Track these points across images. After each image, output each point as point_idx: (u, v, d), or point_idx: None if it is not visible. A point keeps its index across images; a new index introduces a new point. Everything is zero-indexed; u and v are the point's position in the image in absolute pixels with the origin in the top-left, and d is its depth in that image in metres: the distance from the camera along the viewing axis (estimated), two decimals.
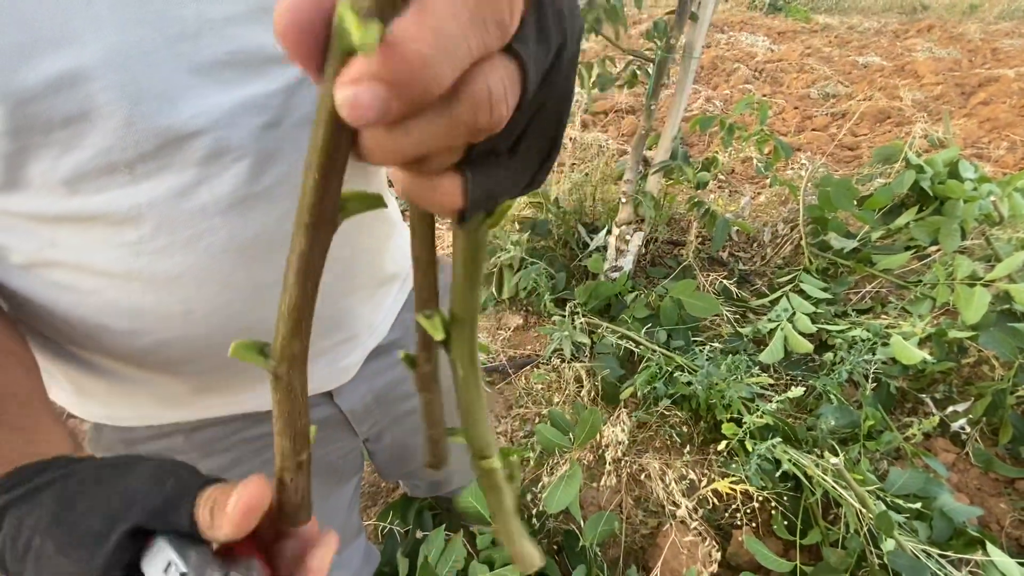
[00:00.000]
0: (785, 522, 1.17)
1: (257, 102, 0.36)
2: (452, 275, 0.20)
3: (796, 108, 3.31)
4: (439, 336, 0.21)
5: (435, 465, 0.28)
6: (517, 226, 1.87)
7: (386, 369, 0.61)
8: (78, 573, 0.23)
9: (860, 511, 1.03)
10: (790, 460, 1.14)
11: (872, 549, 1.01)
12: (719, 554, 1.10)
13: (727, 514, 1.26)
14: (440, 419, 0.27)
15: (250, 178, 0.37)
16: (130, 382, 0.46)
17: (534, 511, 1.20)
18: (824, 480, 1.08)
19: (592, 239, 1.91)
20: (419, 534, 1.15)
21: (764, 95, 3.48)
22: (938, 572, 0.94)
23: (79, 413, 0.50)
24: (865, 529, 1.00)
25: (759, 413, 1.15)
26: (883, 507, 0.97)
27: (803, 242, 1.76)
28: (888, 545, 0.93)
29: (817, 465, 1.11)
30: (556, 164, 2.17)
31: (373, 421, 0.65)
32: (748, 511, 1.16)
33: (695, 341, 1.53)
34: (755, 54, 4.16)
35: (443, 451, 0.28)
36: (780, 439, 1.09)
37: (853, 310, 1.62)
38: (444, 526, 1.12)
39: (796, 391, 1.08)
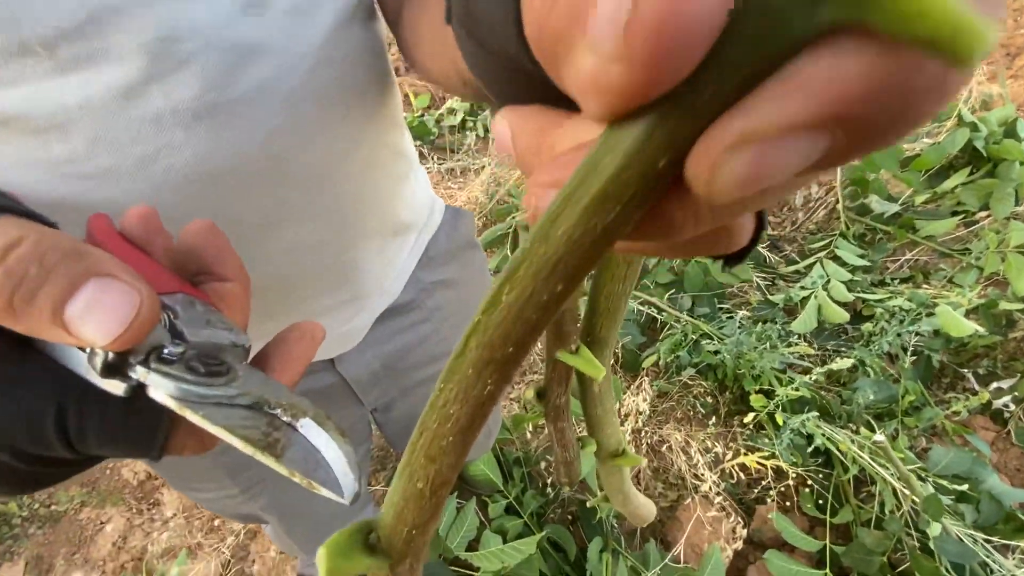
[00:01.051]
0: (812, 500, 1.11)
1: None
2: (597, 297, 0.19)
3: None
4: (600, 375, 0.19)
5: (571, 484, 0.31)
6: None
7: (396, 334, 0.54)
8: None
9: (900, 491, 0.96)
10: (823, 435, 1.07)
11: (911, 531, 0.95)
12: (744, 530, 1.04)
13: (750, 489, 1.20)
14: (573, 442, 0.28)
15: (221, 79, 0.28)
16: None
17: (549, 480, 1.15)
18: (861, 457, 1.01)
19: None
20: None
21: None
22: (985, 559, 0.87)
23: None
24: (905, 510, 0.93)
25: (794, 385, 1.07)
26: (930, 488, 0.90)
27: (839, 205, 1.64)
28: (935, 529, 0.86)
29: (853, 441, 1.04)
30: None
31: (381, 391, 0.58)
32: (776, 487, 1.10)
33: (721, 309, 1.44)
34: None
35: (577, 470, 0.30)
36: (816, 413, 1.01)
37: (891, 279, 1.52)
38: (455, 494, 1.07)
39: (843, 362, 1.00)
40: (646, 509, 0.33)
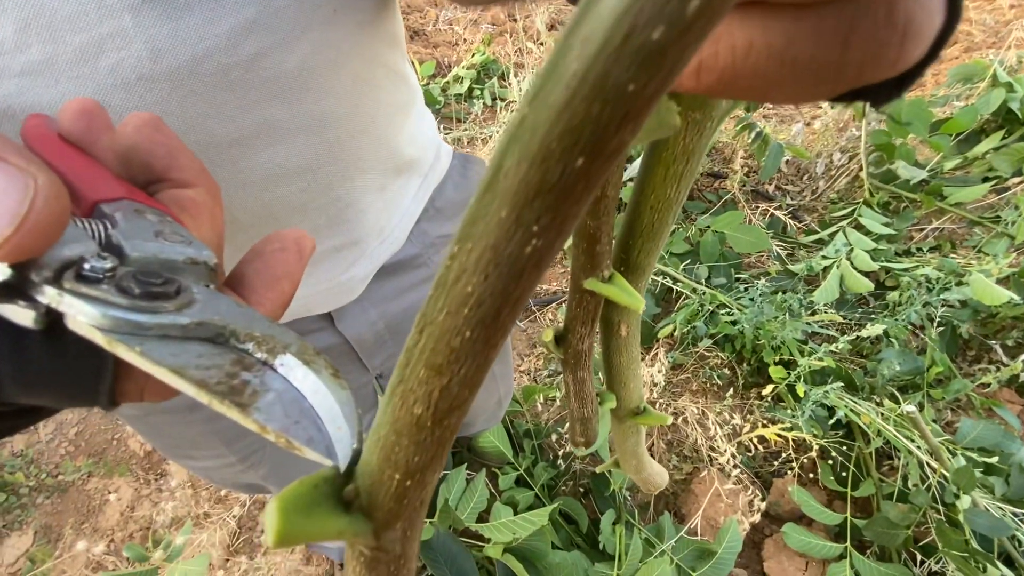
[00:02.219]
0: (833, 473, 1.08)
1: None
2: (641, 207, 0.16)
3: None
4: (640, 307, 0.17)
5: (587, 444, 0.26)
6: None
7: (401, 292, 0.49)
8: None
9: (928, 463, 0.93)
10: (847, 407, 1.03)
11: (936, 504, 0.91)
12: (762, 503, 1.01)
13: (767, 462, 1.17)
14: (593, 396, 0.24)
15: None
16: None
17: (560, 452, 1.12)
18: (886, 429, 0.97)
19: (625, 169, 1.74)
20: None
21: None
22: (1015, 531, 0.84)
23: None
24: (934, 482, 0.90)
25: (816, 356, 1.03)
26: (961, 461, 0.86)
27: (863, 172, 1.57)
28: (964, 502, 0.83)
29: (878, 413, 1.00)
30: None
31: (387, 355, 0.54)
32: (797, 459, 1.07)
33: (738, 279, 1.39)
34: None
35: (595, 428, 0.25)
36: (841, 384, 0.97)
37: (917, 248, 1.46)
38: (464, 466, 1.05)
39: (874, 328, 0.95)
40: (660, 476, 0.31)
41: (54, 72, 0.23)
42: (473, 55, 2.38)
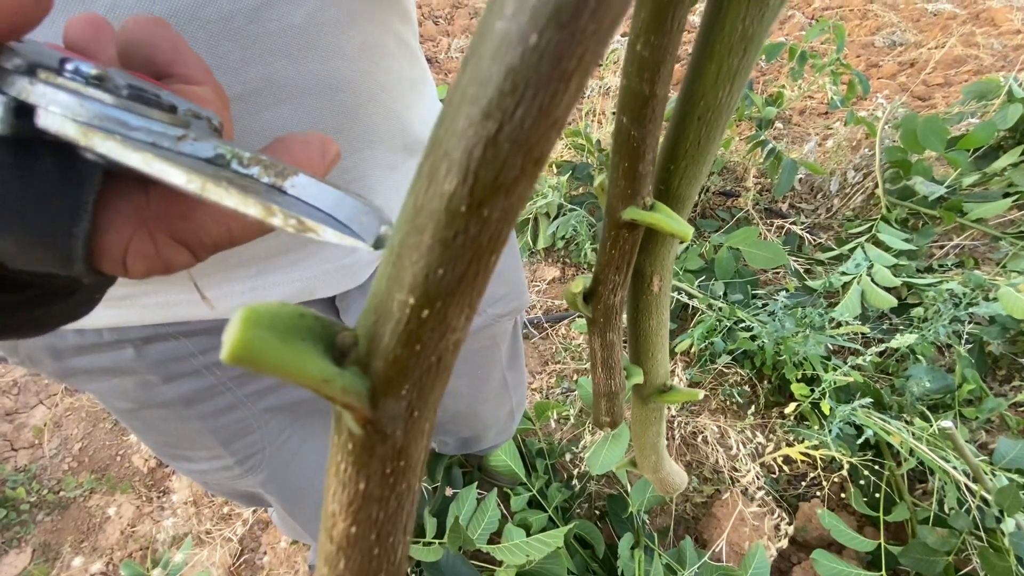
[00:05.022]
0: (861, 495, 1.02)
1: None
2: (688, 117, 0.13)
3: (859, 56, 3.01)
4: (688, 236, 0.14)
5: (613, 424, 0.23)
6: (555, 169, 1.71)
7: None
8: None
9: (966, 485, 0.87)
10: (876, 425, 0.99)
11: (978, 530, 0.86)
12: (789, 528, 0.96)
13: (791, 485, 1.12)
14: (620, 367, 0.20)
15: None
16: None
17: (575, 472, 1.08)
18: (919, 448, 0.93)
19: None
20: (448, 491, 1.04)
21: (822, 43, 3.18)
22: None
23: None
24: (974, 505, 0.85)
25: (841, 371, 0.99)
26: (1004, 481, 0.81)
27: (879, 189, 1.55)
28: (1008, 525, 0.77)
29: (910, 432, 0.96)
30: (599, 106, 1.98)
31: None
32: (823, 481, 1.02)
33: (755, 296, 1.37)
34: (812, 1, 3.81)
35: (621, 406, 0.22)
36: (870, 400, 0.93)
37: (939, 265, 1.43)
38: (475, 485, 1.01)
39: (904, 338, 0.91)
40: (679, 477, 0.28)
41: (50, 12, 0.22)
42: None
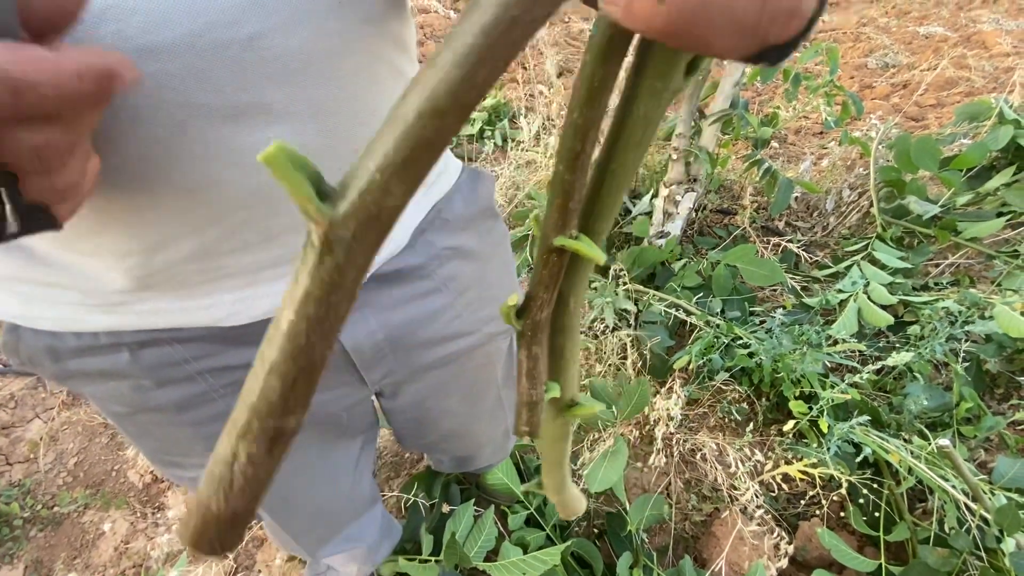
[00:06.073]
0: (861, 514, 1.02)
1: None
2: (603, 172, 0.17)
3: (852, 77, 3.07)
4: (601, 260, 0.17)
5: (532, 433, 0.23)
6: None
7: (403, 303, 0.48)
8: None
9: (966, 504, 0.87)
10: (874, 443, 0.98)
11: (978, 549, 0.85)
12: (789, 547, 0.95)
13: (791, 503, 1.11)
14: (543, 378, 0.22)
15: None
16: (43, 264, 0.33)
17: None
18: (918, 467, 0.92)
19: (635, 204, 1.75)
20: (445, 508, 1.04)
21: (816, 64, 3.24)
22: None
23: None
24: (974, 525, 0.84)
25: (839, 389, 0.99)
26: (1003, 500, 0.81)
27: (874, 208, 1.57)
28: (1008, 544, 0.77)
29: (908, 450, 0.96)
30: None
31: (387, 370, 0.52)
32: (822, 500, 1.01)
33: (753, 313, 1.37)
34: None
35: (541, 416, 0.23)
36: (867, 418, 0.93)
37: (934, 283, 1.44)
38: (472, 502, 1.00)
39: (900, 356, 0.92)
40: (579, 502, 0.30)
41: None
42: (485, 98, 2.46)
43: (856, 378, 0.97)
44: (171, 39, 0.25)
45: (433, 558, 0.92)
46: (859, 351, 1.24)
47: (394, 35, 0.36)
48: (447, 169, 0.50)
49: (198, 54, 0.26)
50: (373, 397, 0.59)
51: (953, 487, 0.89)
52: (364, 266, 0.13)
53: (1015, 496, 0.88)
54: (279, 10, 0.27)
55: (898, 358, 0.93)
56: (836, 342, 1.15)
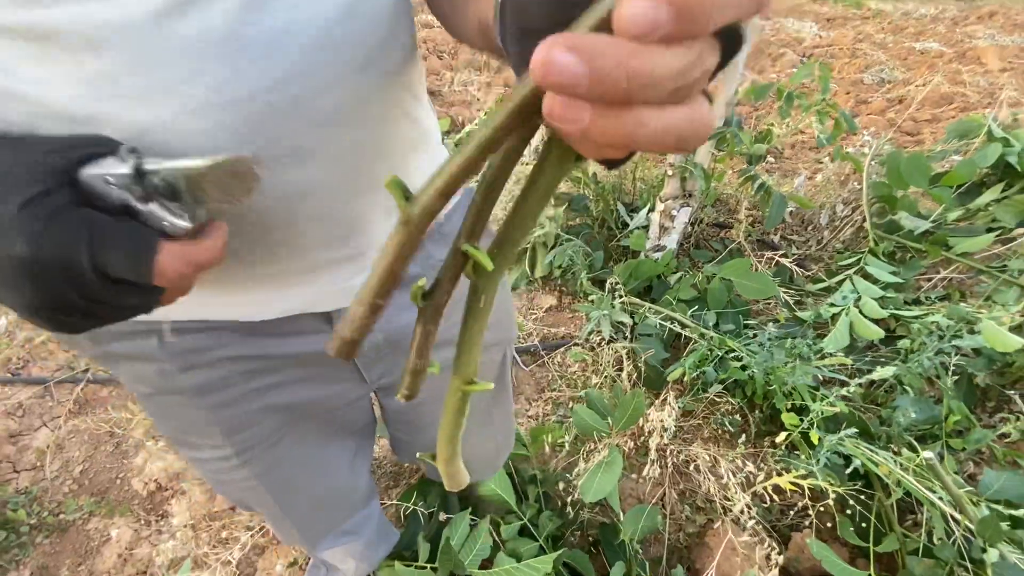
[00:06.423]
0: (852, 526, 1.03)
1: None
2: (523, 199, 0.22)
3: (848, 93, 3.11)
4: (490, 267, 0.22)
5: (410, 397, 0.28)
6: (553, 200, 1.76)
7: (403, 309, 0.53)
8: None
9: (952, 516, 0.89)
10: (863, 455, 1.00)
11: (964, 560, 0.87)
12: (780, 557, 0.97)
13: (783, 514, 1.13)
14: (429, 352, 0.27)
15: (249, 14, 0.29)
16: None
17: (568, 499, 1.09)
18: (905, 479, 0.94)
19: (632, 218, 1.79)
20: (443, 517, 1.05)
21: (811, 82, 3.29)
22: None
23: None
24: (959, 536, 0.86)
25: (828, 401, 1.01)
26: (985, 511, 0.83)
27: (867, 223, 1.60)
28: (992, 555, 0.79)
29: (896, 463, 0.97)
30: None
31: (385, 368, 0.57)
32: (811, 511, 1.03)
33: (746, 326, 1.40)
34: (803, 39, 3.95)
35: (420, 384, 0.28)
36: (855, 430, 0.95)
37: (926, 297, 1.46)
38: (469, 511, 1.02)
39: (884, 371, 0.94)
40: (463, 476, 0.34)
41: (146, 98, 0.29)
42: (486, 114, 2.51)
43: (844, 391, 0.99)
44: (229, 100, 0.30)
45: (429, 565, 0.94)
46: (851, 364, 1.26)
47: (409, 83, 0.42)
48: None
49: (251, 111, 0.31)
50: (372, 394, 0.63)
51: (940, 499, 0.91)
52: (422, 233, 0.21)
53: (1000, 508, 0.90)
54: (318, 77, 0.33)
55: (882, 372, 0.95)
56: (824, 356, 1.18)
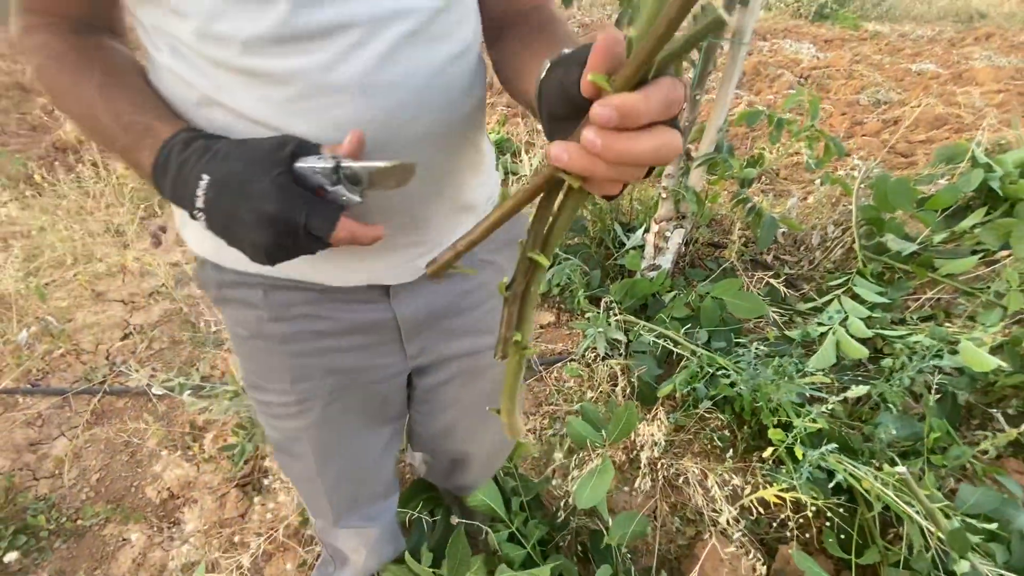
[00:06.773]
0: (836, 539, 1.07)
1: (403, 12, 0.43)
2: (549, 229, 0.33)
3: (844, 114, 3.18)
4: (547, 264, 0.33)
5: (503, 356, 0.37)
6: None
7: (447, 289, 0.63)
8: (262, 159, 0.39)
9: (927, 529, 0.93)
10: (845, 470, 1.05)
11: (940, 572, 0.91)
12: (764, 568, 1.01)
13: (771, 527, 1.17)
14: (515, 326, 0.36)
15: (376, 68, 0.43)
16: None
17: (561, 504, 1.14)
18: (885, 493, 0.99)
19: (628, 238, 1.85)
20: (454, 519, 1.10)
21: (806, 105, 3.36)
22: None
23: (196, 247, 0.56)
24: (935, 548, 0.90)
25: (810, 418, 1.06)
26: (955, 524, 0.87)
27: (856, 245, 1.65)
28: (962, 566, 0.83)
29: (877, 478, 1.02)
30: None
31: (423, 344, 0.66)
32: (797, 524, 1.07)
33: (738, 344, 1.45)
34: (800, 60, 4.03)
35: (509, 348, 0.37)
36: (836, 446, 1.00)
37: (912, 317, 1.51)
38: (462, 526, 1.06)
39: (858, 389, 0.99)
40: (521, 427, 0.42)
41: (307, 115, 0.43)
42: (489, 133, 2.59)
43: (823, 408, 1.04)
44: (364, 121, 0.43)
45: (433, 570, 0.98)
46: (836, 382, 1.31)
47: (474, 119, 0.54)
48: (493, 201, 0.66)
49: (376, 130, 0.44)
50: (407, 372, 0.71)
51: (917, 512, 0.95)
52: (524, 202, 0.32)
53: (975, 522, 0.94)
54: (420, 107, 0.46)
55: (856, 390, 1.00)
56: (806, 375, 1.22)
